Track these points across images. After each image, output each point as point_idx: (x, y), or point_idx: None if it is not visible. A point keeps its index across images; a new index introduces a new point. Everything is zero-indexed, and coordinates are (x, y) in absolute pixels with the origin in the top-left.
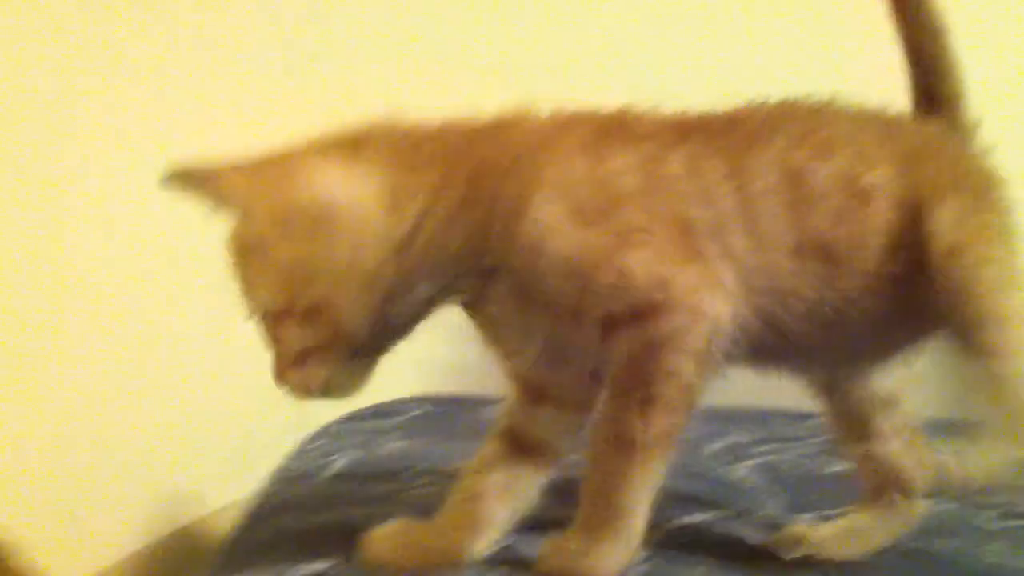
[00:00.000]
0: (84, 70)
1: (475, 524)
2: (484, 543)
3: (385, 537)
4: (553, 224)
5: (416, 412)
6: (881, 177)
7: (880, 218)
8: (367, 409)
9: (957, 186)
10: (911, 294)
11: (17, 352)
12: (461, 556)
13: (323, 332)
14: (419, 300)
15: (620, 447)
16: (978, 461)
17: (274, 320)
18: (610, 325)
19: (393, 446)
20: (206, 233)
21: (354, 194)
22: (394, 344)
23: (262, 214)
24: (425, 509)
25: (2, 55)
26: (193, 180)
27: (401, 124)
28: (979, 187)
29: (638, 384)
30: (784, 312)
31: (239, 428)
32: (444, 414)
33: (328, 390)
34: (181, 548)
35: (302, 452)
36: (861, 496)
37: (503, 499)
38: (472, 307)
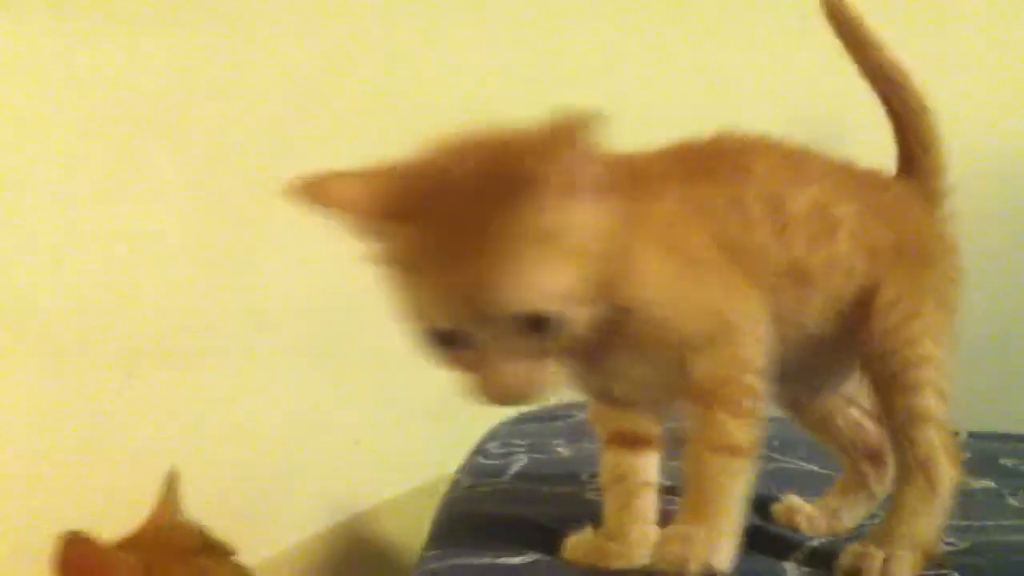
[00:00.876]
0: None
1: (643, 523)
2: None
3: (582, 541)
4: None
5: (579, 417)
6: (845, 213)
7: (843, 249)
8: (529, 414)
9: (903, 253)
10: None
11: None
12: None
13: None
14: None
15: (728, 451)
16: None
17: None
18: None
19: (563, 449)
20: None
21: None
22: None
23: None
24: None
25: None
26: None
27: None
28: (930, 255)
29: (724, 400)
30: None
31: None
32: None
33: (539, 392)
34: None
35: (482, 450)
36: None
37: (648, 494)
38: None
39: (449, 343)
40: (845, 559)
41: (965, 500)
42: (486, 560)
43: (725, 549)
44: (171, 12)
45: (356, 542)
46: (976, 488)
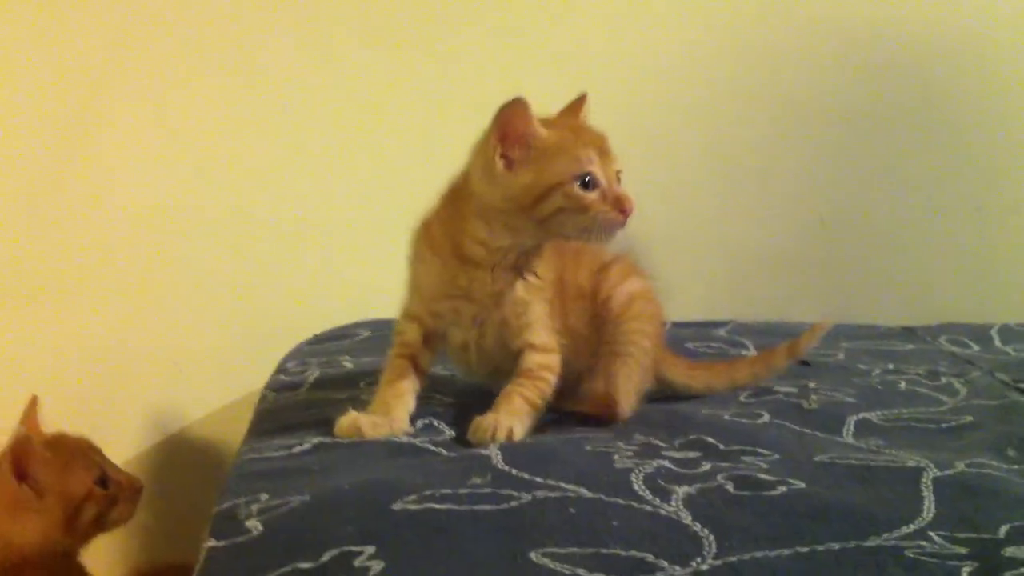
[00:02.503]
0: None
1: (405, 410)
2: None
3: (346, 420)
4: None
5: (362, 335)
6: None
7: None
8: (325, 333)
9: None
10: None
11: None
12: (405, 429)
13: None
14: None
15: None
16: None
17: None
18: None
19: (348, 363)
20: None
21: None
22: None
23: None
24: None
25: None
26: None
27: None
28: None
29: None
30: None
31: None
32: (384, 336)
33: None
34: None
35: (283, 369)
36: None
37: (412, 396)
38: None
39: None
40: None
41: None
42: (283, 451)
43: (520, 428)
44: None
45: (184, 453)
46: None
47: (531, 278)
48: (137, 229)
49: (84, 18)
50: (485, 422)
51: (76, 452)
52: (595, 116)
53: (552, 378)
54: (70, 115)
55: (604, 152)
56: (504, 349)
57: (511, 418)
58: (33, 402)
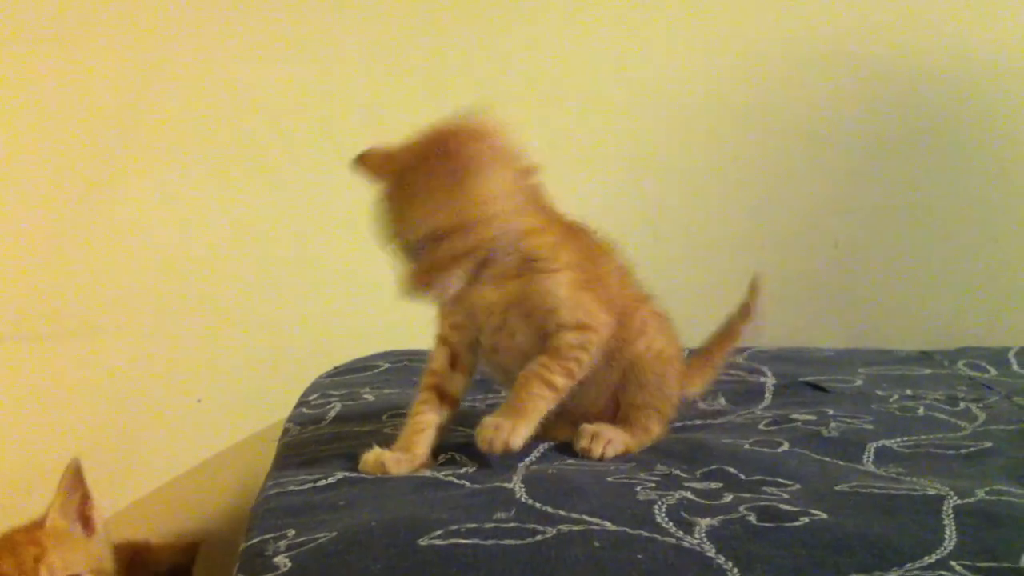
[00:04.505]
0: None
1: (427, 444)
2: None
3: (371, 457)
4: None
5: (383, 367)
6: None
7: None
8: (344, 366)
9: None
10: None
11: None
12: (426, 464)
13: (469, 244)
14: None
15: (547, 384)
16: None
17: (440, 237)
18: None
19: (369, 395)
20: None
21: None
22: None
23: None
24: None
25: None
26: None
27: None
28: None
29: (565, 355)
30: None
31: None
32: (403, 367)
33: (447, 292)
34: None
35: (305, 402)
36: None
37: (435, 429)
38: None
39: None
40: (576, 434)
41: None
42: (308, 485)
43: (523, 434)
44: None
45: (207, 485)
46: None
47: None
48: (161, 269)
49: (116, 60)
50: (486, 426)
51: None
52: (610, 140)
53: (584, 356)
54: (98, 159)
55: None
56: (540, 342)
57: (513, 421)
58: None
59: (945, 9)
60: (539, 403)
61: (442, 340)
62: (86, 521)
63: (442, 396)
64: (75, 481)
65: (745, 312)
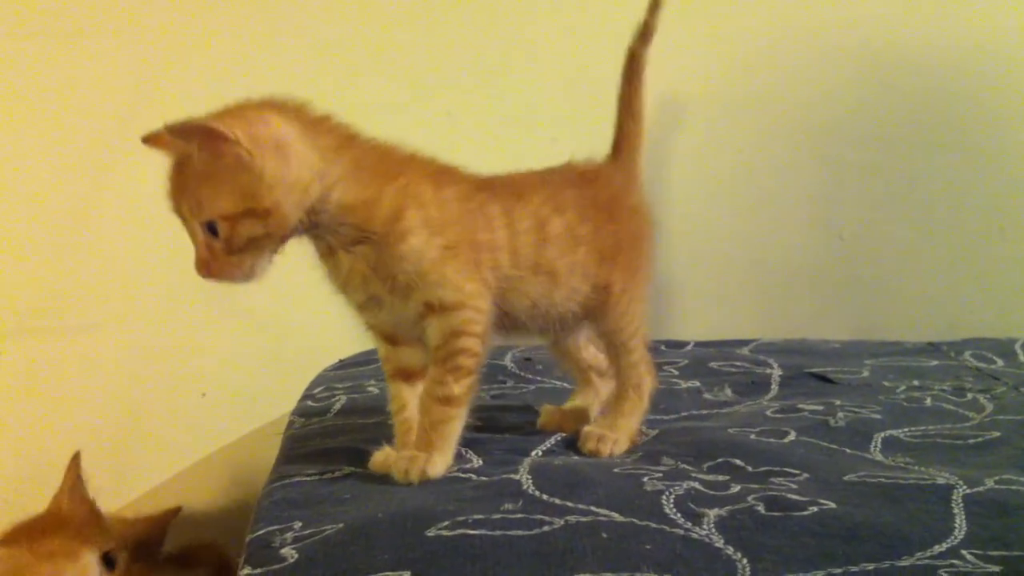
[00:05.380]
0: None
1: None
2: None
3: (380, 456)
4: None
5: None
6: (584, 232)
7: (580, 258)
8: (349, 359)
9: (622, 249)
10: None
11: None
12: None
13: (269, 227)
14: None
15: (445, 402)
16: None
17: (229, 221)
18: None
19: (374, 388)
20: None
21: (301, 141)
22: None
23: (243, 140)
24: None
25: None
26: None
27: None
28: (639, 239)
29: (449, 358)
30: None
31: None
32: None
33: (249, 275)
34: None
35: (310, 395)
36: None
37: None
38: (330, 256)
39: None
40: (581, 437)
41: (672, 397)
42: (314, 478)
43: (440, 464)
44: None
45: (212, 478)
46: (683, 387)
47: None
48: (165, 262)
49: (117, 57)
50: (400, 459)
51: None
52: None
53: (470, 343)
54: (100, 154)
55: None
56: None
57: (426, 453)
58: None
59: (954, 1)
60: (446, 426)
61: (366, 326)
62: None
63: (406, 376)
64: (77, 470)
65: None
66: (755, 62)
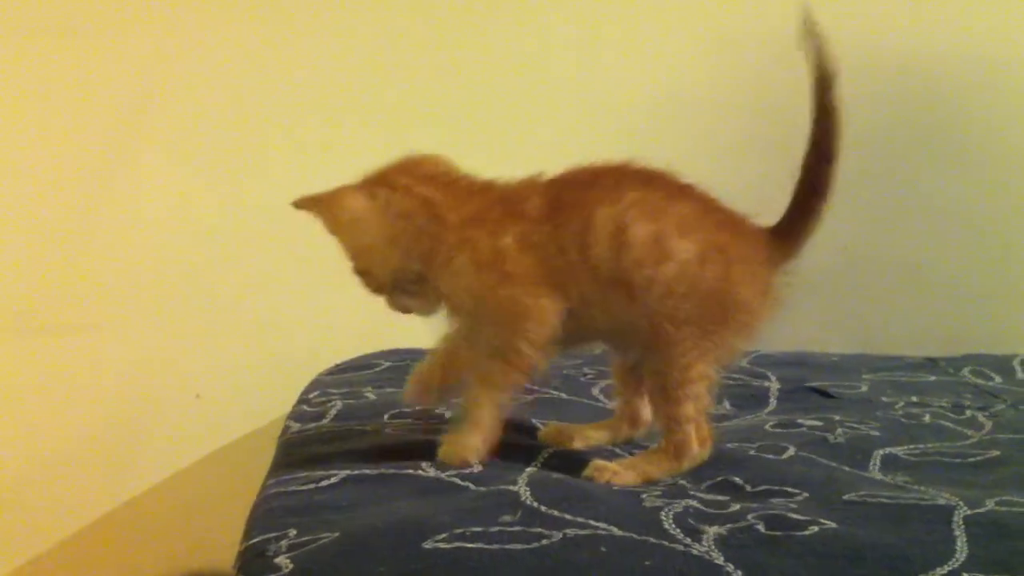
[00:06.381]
0: None
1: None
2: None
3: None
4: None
5: (385, 365)
6: (682, 248)
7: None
8: (346, 363)
9: (713, 304)
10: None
11: None
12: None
13: (372, 282)
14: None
15: (492, 387)
16: None
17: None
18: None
19: (371, 394)
20: None
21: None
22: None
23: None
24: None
25: None
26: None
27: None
28: (737, 315)
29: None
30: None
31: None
32: (405, 366)
33: (401, 310)
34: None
35: (306, 399)
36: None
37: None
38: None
39: None
40: (589, 468)
41: None
42: (310, 484)
43: (476, 451)
44: None
45: (206, 481)
46: None
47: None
48: (161, 265)
49: (116, 60)
50: (446, 445)
51: None
52: (613, 144)
53: (528, 349)
54: (99, 157)
55: None
56: None
57: (468, 438)
58: None
59: (960, 13)
60: (489, 417)
61: None
62: None
63: None
64: None
65: None
66: (759, 73)
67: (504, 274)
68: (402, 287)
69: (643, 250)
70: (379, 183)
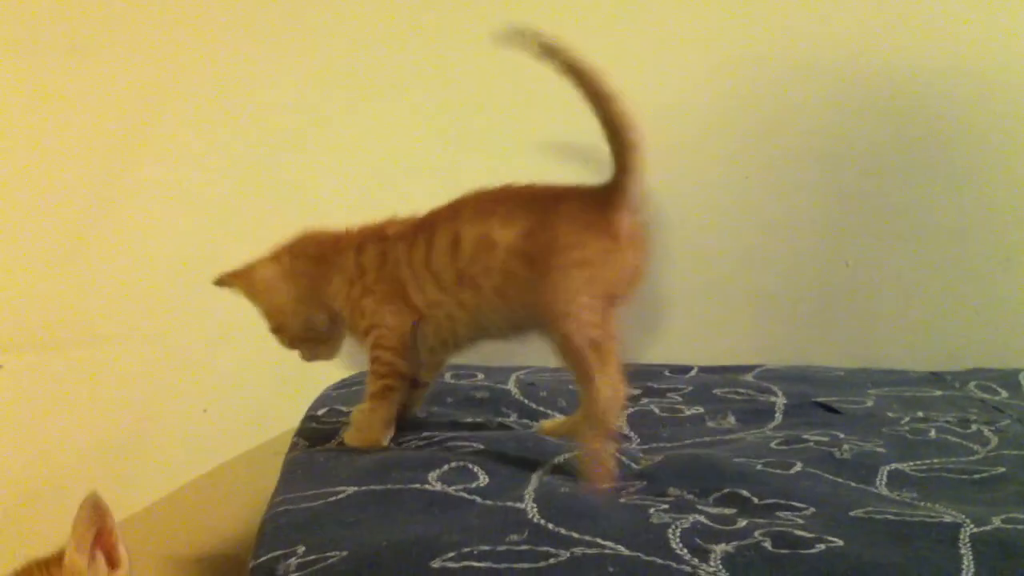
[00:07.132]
0: None
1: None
2: None
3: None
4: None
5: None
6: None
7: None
8: (352, 378)
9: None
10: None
11: None
12: None
13: (286, 337)
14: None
15: (371, 398)
16: None
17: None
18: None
19: None
20: None
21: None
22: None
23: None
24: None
25: None
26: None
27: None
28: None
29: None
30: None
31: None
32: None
33: (310, 359)
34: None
35: (313, 415)
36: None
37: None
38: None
39: None
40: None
41: (675, 424)
42: (318, 501)
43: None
44: None
45: (212, 495)
46: (686, 414)
47: None
48: (167, 277)
49: (123, 72)
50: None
51: None
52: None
53: (382, 354)
54: (103, 169)
55: None
56: None
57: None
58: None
59: (957, 28)
60: (373, 419)
61: None
62: (110, 555)
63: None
64: (93, 515)
65: None
66: (763, 87)
67: (365, 287)
68: (313, 336)
69: (472, 247)
70: (281, 252)
